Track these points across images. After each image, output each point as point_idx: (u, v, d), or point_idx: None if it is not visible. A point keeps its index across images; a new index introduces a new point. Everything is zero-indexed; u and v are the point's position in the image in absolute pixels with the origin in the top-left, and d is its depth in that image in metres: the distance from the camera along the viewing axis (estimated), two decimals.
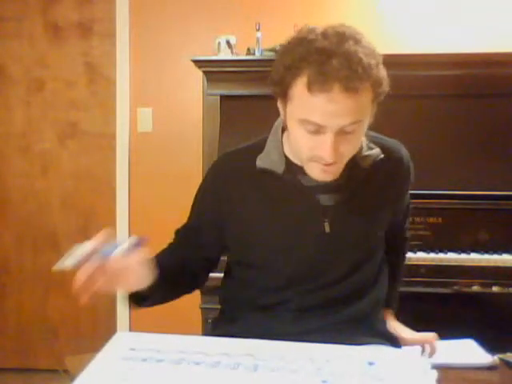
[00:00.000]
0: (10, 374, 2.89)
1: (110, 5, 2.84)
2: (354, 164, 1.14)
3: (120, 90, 2.84)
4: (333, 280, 1.18)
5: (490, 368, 1.45)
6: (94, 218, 2.93)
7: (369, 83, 1.00)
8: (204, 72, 2.23)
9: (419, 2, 2.64)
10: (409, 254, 1.91)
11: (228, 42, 2.33)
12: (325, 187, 1.14)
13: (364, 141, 1.17)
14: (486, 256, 1.92)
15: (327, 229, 1.15)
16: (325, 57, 0.98)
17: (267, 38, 2.30)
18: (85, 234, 2.95)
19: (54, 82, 2.92)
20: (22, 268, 2.96)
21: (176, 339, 1.09)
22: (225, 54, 2.33)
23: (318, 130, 1.02)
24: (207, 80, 2.22)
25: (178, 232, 1.32)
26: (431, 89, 2.11)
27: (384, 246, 1.28)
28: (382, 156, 1.18)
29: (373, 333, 1.19)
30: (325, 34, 1.01)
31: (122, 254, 0.98)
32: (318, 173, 1.09)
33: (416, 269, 1.89)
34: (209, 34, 2.61)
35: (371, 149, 1.17)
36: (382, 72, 1.04)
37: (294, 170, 1.16)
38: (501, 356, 1.50)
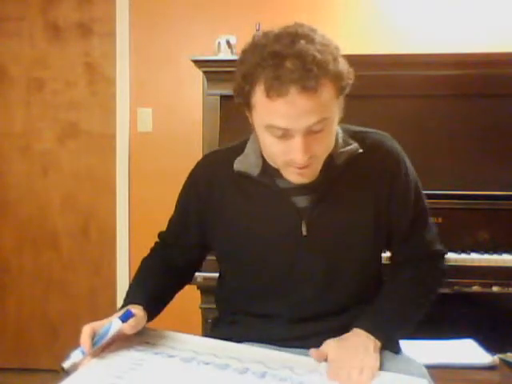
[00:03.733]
0: (10, 373, 2.89)
1: (109, 5, 2.84)
2: (330, 162, 1.11)
3: (120, 90, 2.84)
4: (318, 289, 1.15)
5: (490, 368, 1.45)
6: (94, 217, 2.93)
7: (327, 79, 0.98)
8: (204, 72, 2.23)
9: (419, 2, 2.64)
10: None
11: (228, 42, 2.33)
12: (299, 189, 1.11)
13: (341, 136, 1.14)
14: (486, 256, 1.92)
15: (304, 231, 1.13)
16: (278, 60, 0.96)
17: None
18: (85, 234, 2.99)
19: (54, 82, 2.91)
20: (22, 268, 2.97)
21: (191, 339, 1.11)
22: (225, 54, 2.33)
23: (286, 133, 1.00)
24: (207, 80, 2.22)
25: (161, 234, 1.33)
26: (431, 89, 2.11)
27: (380, 254, 1.23)
28: (361, 151, 1.13)
29: None
30: (277, 37, 1.00)
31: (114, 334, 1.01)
32: (294, 177, 1.07)
33: None
34: (209, 34, 2.62)
35: (349, 144, 1.13)
36: (342, 65, 1.01)
37: (270, 172, 1.13)
38: (501, 356, 1.50)
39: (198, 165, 1.28)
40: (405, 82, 2.10)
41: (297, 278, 1.15)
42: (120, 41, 2.83)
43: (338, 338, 1.08)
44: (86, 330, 1.00)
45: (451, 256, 1.93)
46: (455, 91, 2.11)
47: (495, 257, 1.92)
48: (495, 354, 1.50)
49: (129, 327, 1.02)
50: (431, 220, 1.25)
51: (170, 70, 2.81)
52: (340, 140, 1.13)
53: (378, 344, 1.07)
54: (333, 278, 1.15)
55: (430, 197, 2.03)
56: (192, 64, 2.23)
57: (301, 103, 0.96)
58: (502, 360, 1.49)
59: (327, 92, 0.98)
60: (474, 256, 1.92)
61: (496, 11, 2.59)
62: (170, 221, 1.31)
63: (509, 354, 1.50)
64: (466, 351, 1.56)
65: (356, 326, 1.10)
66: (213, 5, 2.76)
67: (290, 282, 1.15)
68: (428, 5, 2.63)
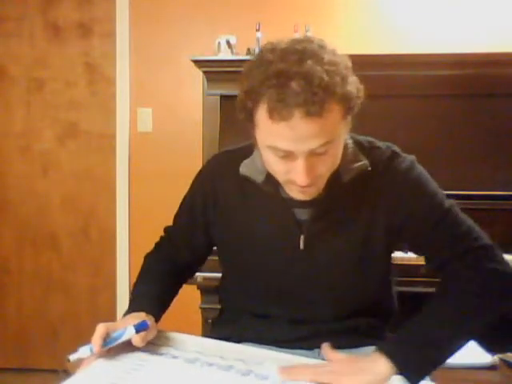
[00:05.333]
0: (10, 374, 2.89)
1: (110, 5, 2.84)
2: (336, 177, 1.07)
3: (120, 90, 2.84)
4: (315, 300, 1.14)
5: (490, 368, 1.45)
6: (94, 218, 2.93)
7: (334, 103, 0.93)
8: (204, 72, 2.23)
9: (419, 2, 2.64)
10: (409, 254, 1.91)
11: (228, 42, 2.33)
12: (302, 201, 1.07)
13: (351, 151, 1.10)
14: None
15: (302, 245, 1.11)
16: (283, 79, 0.91)
17: (267, 38, 2.28)
18: (85, 234, 2.99)
19: (54, 82, 2.92)
20: (22, 268, 2.97)
21: (195, 340, 1.11)
22: (225, 54, 2.33)
23: (288, 155, 0.97)
24: (207, 80, 2.22)
25: (167, 230, 1.32)
26: (431, 89, 2.11)
27: (385, 271, 1.19)
28: (370, 169, 1.09)
29: (368, 335, 1.17)
30: (284, 54, 0.94)
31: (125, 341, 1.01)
32: (296, 193, 1.04)
33: (416, 269, 1.89)
34: (209, 34, 2.62)
35: (358, 161, 1.09)
36: (351, 85, 0.96)
37: (274, 180, 1.09)
38: (501, 356, 1.50)
39: (207, 164, 1.27)
40: (405, 82, 2.10)
41: (294, 286, 1.14)
42: (120, 41, 2.83)
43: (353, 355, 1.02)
44: (100, 330, 0.98)
45: None
46: (455, 91, 2.11)
47: None
48: (495, 354, 1.50)
49: (139, 339, 1.01)
50: (462, 216, 1.12)
51: (170, 70, 2.82)
52: (350, 155, 1.09)
53: (392, 372, 0.95)
54: (330, 290, 1.14)
55: None
56: (192, 64, 2.23)
57: (304, 128, 0.92)
58: (502, 360, 1.49)
59: (333, 115, 0.94)
60: None
61: (496, 11, 2.59)
62: (176, 217, 1.30)
63: (509, 354, 1.50)
64: (466, 351, 1.56)
65: (379, 349, 0.99)
66: (213, 5, 2.76)
67: (288, 288, 1.15)
68: (428, 5, 2.63)
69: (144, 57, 2.83)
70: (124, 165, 2.86)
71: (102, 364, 0.99)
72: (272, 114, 0.92)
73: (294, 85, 0.90)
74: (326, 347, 1.05)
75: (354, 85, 0.97)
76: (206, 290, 1.88)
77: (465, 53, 2.21)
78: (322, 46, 0.96)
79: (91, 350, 0.98)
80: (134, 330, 1.00)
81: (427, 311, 1.04)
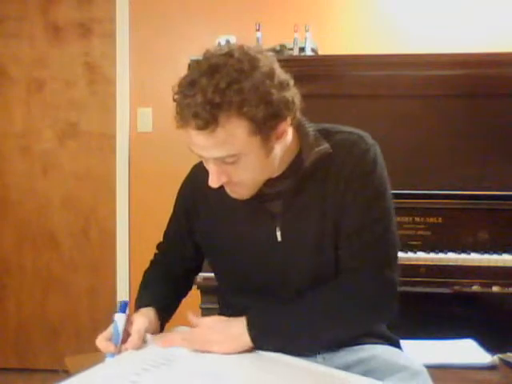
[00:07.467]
0: (10, 374, 2.89)
1: (110, 5, 2.84)
2: (299, 164, 1.08)
3: (120, 90, 2.84)
4: (300, 292, 1.12)
5: (490, 368, 1.45)
6: (94, 218, 2.93)
7: (233, 119, 0.94)
8: None
9: (419, 2, 2.64)
10: (409, 254, 1.91)
11: (228, 42, 2.33)
12: (274, 194, 1.10)
13: (312, 137, 1.10)
14: (486, 256, 1.92)
15: (279, 237, 1.12)
16: (191, 89, 0.94)
17: (267, 38, 2.29)
18: (85, 234, 2.98)
19: (54, 82, 2.92)
20: (22, 268, 2.97)
21: None
22: None
23: (202, 157, 1.02)
24: None
25: (159, 246, 1.37)
26: (431, 89, 2.11)
27: None
28: (331, 151, 1.08)
29: (369, 333, 1.16)
30: (203, 64, 0.97)
31: (123, 328, 1.05)
32: (228, 192, 1.08)
33: (416, 269, 1.89)
34: (209, 34, 2.62)
35: (320, 145, 1.08)
36: (261, 106, 0.95)
37: None
38: (501, 356, 1.50)
39: (185, 177, 1.32)
40: (405, 82, 2.10)
41: (281, 280, 1.14)
42: (120, 41, 2.83)
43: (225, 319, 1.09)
44: (100, 339, 1.04)
45: (451, 256, 1.93)
46: (455, 91, 2.11)
47: (495, 257, 1.92)
48: (495, 354, 1.50)
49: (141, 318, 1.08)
50: (391, 234, 1.10)
51: (170, 70, 2.81)
52: (311, 141, 1.09)
53: (247, 343, 1.02)
54: (316, 282, 1.11)
55: (430, 197, 2.05)
56: None
57: (197, 138, 0.97)
58: (502, 360, 1.49)
59: (233, 132, 0.95)
60: (474, 256, 1.92)
61: (496, 11, 2.59)
62: (166, 233, 1.34)
63: (509, 354, 1.51)
64: (466, 351, 1.56)
65: (248, 316, 1.05)
66: (213, 5, 2.76)
67: (275, 283, 1.14)
68: (428, 5, 2.63)
69: (144, 57, 2.83)
70: (124, 165, 2.86)
71: (115, 361, 1.00)
72: (177, 119, 0.98)
73: (197, 95, 0.93)
74: (190, 316, 1.10)
75: (265, 106, 0.96)
76: (205, 290, 1.88)
77: (465, 53, 2.21)
78: (240, 61, 0.96)
79: (112, 356, 1.01)
80: (121, 314, 1.05)
81: (308, 300, 1.06)
